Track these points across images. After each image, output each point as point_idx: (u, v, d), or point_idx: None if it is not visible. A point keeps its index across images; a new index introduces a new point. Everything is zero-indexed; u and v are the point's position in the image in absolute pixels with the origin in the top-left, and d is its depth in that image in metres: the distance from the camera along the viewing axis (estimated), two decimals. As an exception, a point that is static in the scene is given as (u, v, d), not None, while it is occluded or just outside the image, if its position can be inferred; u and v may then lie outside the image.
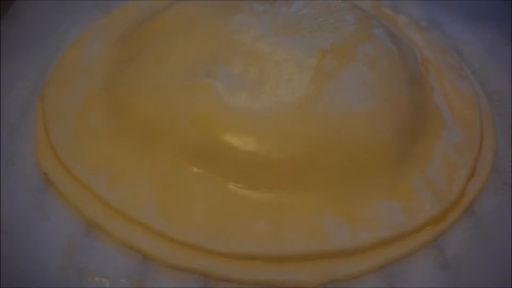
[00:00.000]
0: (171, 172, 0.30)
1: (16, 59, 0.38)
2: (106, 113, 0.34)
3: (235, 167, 0.30)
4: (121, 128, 0.33)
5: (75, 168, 0.31)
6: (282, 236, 0.28)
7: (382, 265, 0.28)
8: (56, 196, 0.30)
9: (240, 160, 0.30)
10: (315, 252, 0.28)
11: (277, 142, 0.30)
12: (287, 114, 0.31)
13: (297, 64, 0.34)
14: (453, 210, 0.30)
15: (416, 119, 0.34)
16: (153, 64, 0.35)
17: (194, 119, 0.31)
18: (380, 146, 0.31)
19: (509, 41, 0.42)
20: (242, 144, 0.30)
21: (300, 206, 0.29)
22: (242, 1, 0.40)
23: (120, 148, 0.32)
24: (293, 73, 0.33)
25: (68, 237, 0.28)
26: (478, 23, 0.44)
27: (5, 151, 0.32)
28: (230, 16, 0.37)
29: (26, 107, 0.35)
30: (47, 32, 0.41)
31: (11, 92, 0.36)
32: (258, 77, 0.33)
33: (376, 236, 0.28)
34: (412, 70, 0.37)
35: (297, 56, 0.34)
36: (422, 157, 0.32)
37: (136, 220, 0.28)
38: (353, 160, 0.30)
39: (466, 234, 0.30)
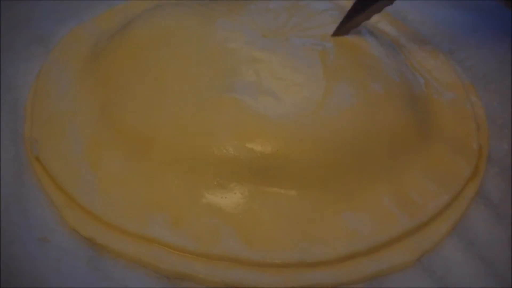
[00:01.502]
0: (233, 198, 0.29)
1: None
2: (125, 154, 0.31)
3: (296, 175, 0.29)
4: (155, 166, 0.30)
5: (122, 223, 0.28)
6: (365, 230, 0.29)
7: (454, 225, 0.30)
8: (117, 260, 0.27)
9: (300, 166, 0.29)
10: (402, 233, 0.29)
11: (330, 140, 0.30)
12: (325, 111, 0.31)
13: (302, 61, 0.34)
14: (481, 161, 0.34)
15: (414, 89, 0.36)
16: (156, 90, 0.32)
17: (239, 138, 0.29)
18: (405, 122, 0.33)
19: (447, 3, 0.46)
20: (297, 150, 0.29)
21: (365, 194, 0.30)
22: (205, 1, 0.39)
23: (162, 187, 0.29)
24: (304, 70, 0.33)
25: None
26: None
27: (27, 229, 0.27)
28: (210, 25, 0.36)
29: (17, 172, 0.30)
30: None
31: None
32: (274, 80, 0.32)
33: (441, 202, 0.30)
34: (386, 46, 0.40)
35: (297, 53, 0.34)
36: (436, 123, 0.35)
37: (226, 257, 0.27)
38: (390, 140, 0.32)
39: (497, 179, 0.33)
